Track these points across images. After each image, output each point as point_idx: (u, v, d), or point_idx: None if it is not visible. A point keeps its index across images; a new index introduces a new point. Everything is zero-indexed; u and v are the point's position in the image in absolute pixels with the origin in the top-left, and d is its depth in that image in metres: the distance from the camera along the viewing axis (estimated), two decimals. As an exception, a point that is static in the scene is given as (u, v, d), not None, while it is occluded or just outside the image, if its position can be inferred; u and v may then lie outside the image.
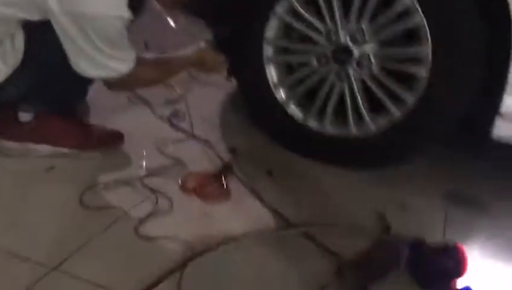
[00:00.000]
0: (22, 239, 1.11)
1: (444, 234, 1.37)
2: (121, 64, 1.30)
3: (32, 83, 1.31)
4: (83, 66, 1.27)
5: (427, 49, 1.43)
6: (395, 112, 1.51)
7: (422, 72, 1.45)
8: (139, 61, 1.34)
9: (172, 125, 1.76)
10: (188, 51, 1.54)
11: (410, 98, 1.49)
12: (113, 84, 1.38)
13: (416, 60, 1.46)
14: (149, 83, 1.53)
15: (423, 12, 1.39)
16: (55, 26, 1.20)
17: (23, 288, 0.96)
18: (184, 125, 1.75)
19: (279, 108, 1.67)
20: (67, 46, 1.23)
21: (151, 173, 1.43)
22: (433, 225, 1.41)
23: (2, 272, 1.01)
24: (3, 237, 1.10)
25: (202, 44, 1.58)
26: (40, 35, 1.26)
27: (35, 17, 1.23)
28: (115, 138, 1.53)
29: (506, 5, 1.28)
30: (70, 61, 1.26)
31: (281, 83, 1.67)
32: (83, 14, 1.16)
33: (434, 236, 1.31)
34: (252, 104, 1.78)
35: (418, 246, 1.22)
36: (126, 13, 1.20)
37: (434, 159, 1.71)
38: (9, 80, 1.28)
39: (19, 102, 1.37)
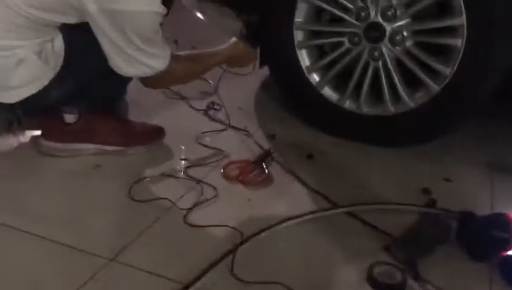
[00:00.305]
0: (79, 234, 1.16)
1: (492, 204, 1.35)
2: (157, 61, 1.33)
3: (74, 85, 1.36)
4: (121, 64, 1.30)
5: (461, 19, 1.40)
6: (432, 85, 1.50)
7: (457, 42, 1.43)
8: (174, 58, 1.37)
9: (209, 117, 1.79)
10: (221, 46, 1.55)
11: (446, 70, 1.47)
12: (150, 82, 1.41)
13: (451, 31, 1.44)
14: (184, 80, 1.56)
15: (455, -18, 1.38)
16: (93, 27, 1.23)
17: (86, 278, 1.01)
18: (221, 116, 1.77)
19: (313, 91, 1.68)
20: (105, 46, 1.27)
21: (194, 164, 1.46)
22: (479, 196, 1.40)
23: (65, 266, 1.06)
24: (62, 233, 1.15)
25: (234, 39, 1.59)
26: (78, 38, 1.30)
27: (72, 20, 1.27)
28: (156, 133, 1.57)
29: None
30: (108, 61, 1.30)
31: (314, 66, 1.67)
32: (119, 12, 1.19)
33: (482, 207, 1.29)
34: (286, 90, 1.79)
35: (467, 219, 1.21)
36: (160, 8, 1.23)
37: (475, 129, 1.68)
38: (52, 83, 1.33)
39: (62, 104, 1.42)
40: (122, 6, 1.18)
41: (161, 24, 1.32)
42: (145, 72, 1.34)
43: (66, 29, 1.30)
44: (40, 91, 1.31)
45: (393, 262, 1.10)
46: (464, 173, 1.51)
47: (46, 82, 1.31)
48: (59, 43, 1.30)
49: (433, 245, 1.16)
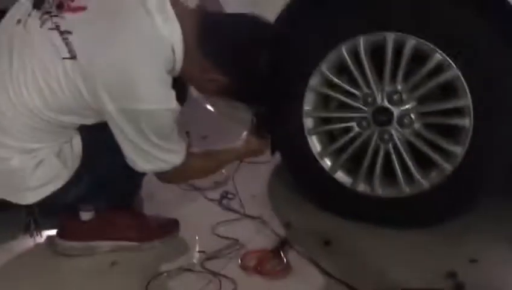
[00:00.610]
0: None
1: (522, 285, 1.30)
2: (173, 156, 1.35)
3: (92, 183, 1.37)
4: (138, 161, 1.32)
5: (466, 99, 1.44)
6: (445, 165, 1.50)
7: (465, 122, 1.46)
8: (189, 154, 1.39)
9: (223, 207, 1.79)
10: (235, 144, 1.59)
11: (458, 150, 1.48)
12: (166, 177, 1.42)
13: (458, 112, 1.47)
14: (199, 175, 1.58)
15: (457, 65, 1.42)
16: (111, 125, 1.27)
17: None
18: (235, 205, 1.78)
19: (326, 176, 1.68)
20: (122, 144, 1.30)
21: (211, 256, 1.44)
22: (508, 277, 1.34)
23: None
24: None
25: (245, 134, 1.63)
26: (96, 138, 1.34)
27: (90, 121, 1.31)
28: (171, 226, 1.57)
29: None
30: (126, 158, 1.33)
31: (325, 151, 1.69)
32: (137, 111, 1.23)
33: None
34: (299, 176, 1.80)
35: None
36: (176, 106, 1.27)
37: (496, 208, 1.66)
38: (70, 182, 1.35)
39: (79, 202, 1.43)
40: (140, 106, 1.22)
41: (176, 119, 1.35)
42: (162, 167, 1.35)
43: (84, 129, 1.34)
44: (57, 191, 1.33)
45: None
46: (488, 252, 1.47)
47: (63, 182, 1.33)
48: (77, 143, 1.34)
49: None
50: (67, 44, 1.20)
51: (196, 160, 1.44)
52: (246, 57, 1.33)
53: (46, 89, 1.23)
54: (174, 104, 1.26)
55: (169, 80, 1.28)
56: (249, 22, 1.35)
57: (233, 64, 1.32)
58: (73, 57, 1.20)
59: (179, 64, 1.30)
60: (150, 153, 1.30)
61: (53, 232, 1.50)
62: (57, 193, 1.33)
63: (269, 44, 1.37)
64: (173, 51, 1.27)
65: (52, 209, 1.39)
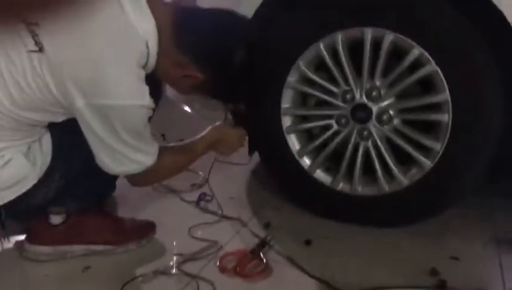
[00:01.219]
0: None
1: (503, 281, 1.29)
2: (145, 157, 1.29)
3: (62, 184, 1.31)
4: (109, 163, 1.27)
5: (445, 95, 1.43)
6: (425, 161, 1.49)
7: (444, 118, 1.45)
8: (160, 154, 1.34)
9: (201, 208, 1.75)
10: (205, 132, 1.54)
11: (437, 146, 1.47)
12: (137, 179, 1.36)
13: (437, 107, 1.46)
14: (172, 174, 1.50)
15: (435, 60, 1.41)
16: (81, 123, 1.21)
17: None
18: (213, 207, 1.73)
19: (306, 175, 1.66)
20: (92, 144, 1.24)
21: (188, 258, 1.39)
22: (489, 273, 1.34)
23: None
24: None
25: (217, 123, 1.59)
26: (65, 137, 1.28)
27: (60, 118, 1.26)
28: (147, 229, 1.51)
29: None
30: (96, 160, 1.27)
31: (304, 150, 1.66)
32: (108, 106, 1.17)
33: (494, 285, 1.23)
34: (278, 176, 1.77)
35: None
36: (149, 102, 1.23)
37: (476, 205, 1.66)
38: (39, 183, 1.29)
39: (49, 204, 1.37)
40: (111, 101, 1.17)
41: (149, 118, 1.31)
42: (134, 169, 1.30)
43: (53, 128, 1.29)
44: (26, 192, 1.26)
45: None
46: (469, 249, 1.46)
47: (33, 182, 1.27)
48: (46, 142, 1.28)
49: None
50: (34, 36, 1.15)
51: (166, 157, 1.37)
52: (221, 52, 1.29)
53: (12, 85, 1.16)
54: (147, 100, 1.22)
55: (142, 75, 1.23)
56: (224, 17, 1.32)
57: (208, 60, 1.29)
58: (40, 49, 1.14)
59: (152, 60, 1.26)
60: (122, 153, 1.24)
61: (22, 236, 1.43)
62: (26, 194, 1.26)
63: (245, 39, 1.34)
64: (147, 46, 1.23)
65: (20, 212, 1.32)
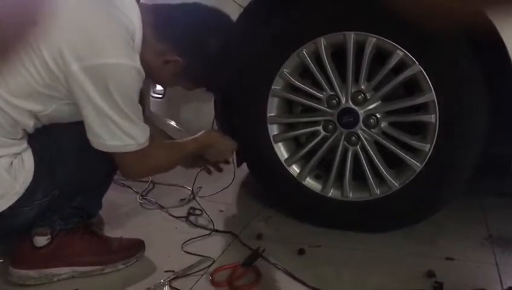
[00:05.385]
0: None
1: (500, 279, 1.28)
2: (138, 132, 1.27)
3: (45, 202, 1.28)
4: (103, 135, 1.23)
5: (430, 95, 1.42)
6: (414, 163, 1.48)
7: (431, 118, 1.44)
8: (153, 140, 1.32)
9: (191, 223, 1.71)
10: (198, 134, 1.50)
11: (425, 147, 1.46)
12: (130, 168, 1.33)
13: (423, 108, 1.45)
14: (162, 166, 1.44)
15: (418, 61, 1.41)
16: (77, 93, 1.20)
17: None
18: (203, 221, 1.70)
19: (295, 184, 1.63)
20: (88, 114, 1.21)
21: (179, 274, 1.35)
22: (487, 272, 1.32)
23: None
24: None
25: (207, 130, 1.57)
26: (47, 153, 1.25)
27: (51, 107, 1.23)
28: (135, 247, 1.47)
29: (501, 42, 1.29)
30: (90, 136, 1.24)
31: (293, 158, 1.64)
32: (100, 66, 1.18)
33: (492, 284, 1.22)
34: (268, 185, 1.74)
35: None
36: (139, 65, 1.23)
37: (467, 205, 1.66)
38: (22, 200, 1.24)
39: (32, 224, 1.32)
40: (102, 60, 1.18)
41: (141, 98, 1.30)
42: (127, 144, 1.26)
43: (35, 144, 1.26)
44: (6, 210, 1.22)
45: None
46: (463, 250, 1.45)
47: (15, 198, 1.22)
48: (28, 159, 1.24)
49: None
50: None
51: (159, 146, 1.38)
52: (195, 35, 1.33)
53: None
54: (138, 64, 1.23)
55: (131, 44, 1.25)
56: (201, 8, 1.37)
57: (184, 42, 1.32)
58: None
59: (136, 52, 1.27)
60: (116, 123, 1.22)
61: (5, 259, 1.38)
62: (7, 214, 1.22)
63: (221, 29, 1.37)
64: (132, 39, 1.25)
65: (2, 232, 1.28)
